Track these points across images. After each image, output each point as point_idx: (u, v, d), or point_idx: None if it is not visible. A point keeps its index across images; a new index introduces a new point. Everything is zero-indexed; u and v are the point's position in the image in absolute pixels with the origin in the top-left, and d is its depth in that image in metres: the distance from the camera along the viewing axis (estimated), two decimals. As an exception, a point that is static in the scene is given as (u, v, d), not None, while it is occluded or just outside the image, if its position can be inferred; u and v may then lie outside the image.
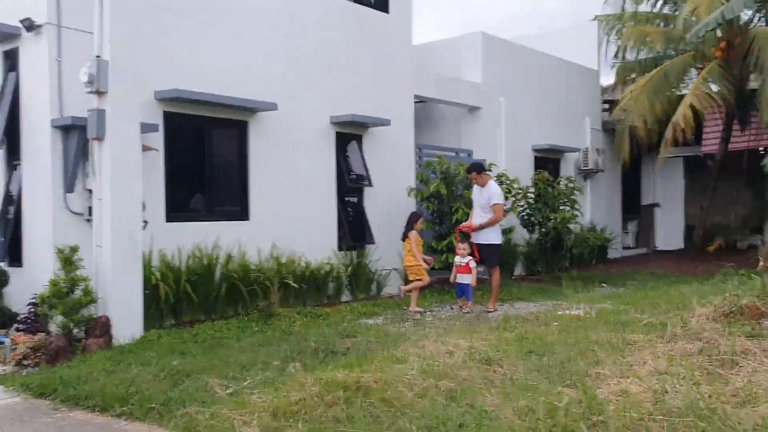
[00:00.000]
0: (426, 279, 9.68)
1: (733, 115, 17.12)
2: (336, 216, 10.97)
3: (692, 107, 15.26)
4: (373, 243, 11.31)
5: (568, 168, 16.57)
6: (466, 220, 10.55)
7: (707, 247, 18.54)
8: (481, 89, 14.00)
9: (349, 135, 11.28)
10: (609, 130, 18.63)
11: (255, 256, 9.60)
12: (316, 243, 10.50)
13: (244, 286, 9.07)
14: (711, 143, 18.26)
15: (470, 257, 9.50)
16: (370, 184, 11.36)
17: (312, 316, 8.63)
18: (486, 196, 9.59)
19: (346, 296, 10.95)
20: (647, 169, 20.30)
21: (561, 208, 13.17)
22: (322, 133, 10.78)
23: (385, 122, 11.29)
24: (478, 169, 9.73)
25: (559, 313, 8.68)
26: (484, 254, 9.60)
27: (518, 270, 14.21)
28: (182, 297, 8.58)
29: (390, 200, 11.81)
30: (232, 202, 9.81)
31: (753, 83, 17.46)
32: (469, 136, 14.16)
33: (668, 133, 15.48)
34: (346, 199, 11.27)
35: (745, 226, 18.94)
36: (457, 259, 9.65)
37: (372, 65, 11.59)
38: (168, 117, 8.89)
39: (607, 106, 19.05)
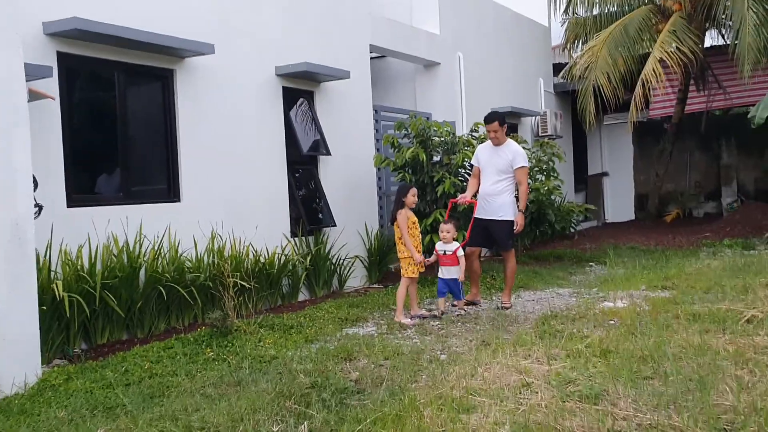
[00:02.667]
0: (408, 273, 6.99)
1: (690, 75, 15.85)
2: (287, 192, 8.66)
3: (662, 62, 13.82)
4: (333, 225, 9.07)
5: (524, 134, 14.81)
6: (453, 194, 8.48)
7: (664, 216, 17.39)
8: (438, 42, 11.92)
9: (298, 91, 8.95)
10: (560, 93, 17.04)
11: (191, 248, 7.20)
12: (264, 227, 8.18)
13: (182, 290, 6.67)
14: (664, 105, 17.01)
15: (457, 243, 7.08)
16: (327, 152, 9.10)
17: (280, 329, 6.35)
18: (506, 158, 7.29)
19: (303, 294, 8.70)
20: (593, 137, 18.88)
21: (537, 177, 11.33)
22: (266, 88, 8.41)
23: (343, 74, 9.03)
24: (502, 119, 7.30)
25: (602, 306, 6.78)
26: (496, 234, 7.36)
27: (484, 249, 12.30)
28: (97, 311, 6.11)
29: (350, 172, 9.60)
30: (157, 178, 7.32)
31: (709, 40, 16.40)
32: (426, 96, 12.09)
33: (637, 91, 13.98)
34: (299, 171, 8.96)
35: (699, 194, 17.85)
36: (440, 245, 7.10)
37: (323, 5, 9.28)
38: (64, 60, 6.33)
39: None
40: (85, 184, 6.64)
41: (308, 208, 8.88)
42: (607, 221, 18.70)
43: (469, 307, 7.37)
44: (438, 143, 9.06)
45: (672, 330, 5.52)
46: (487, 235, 7.41)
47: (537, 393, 4.13)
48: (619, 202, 18.85)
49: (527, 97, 14.93)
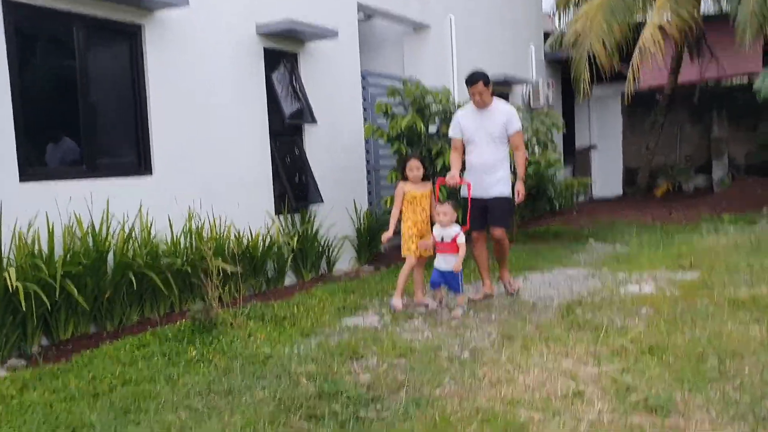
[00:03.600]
0: (403, 251, 6.19)
1: (685, 44, 15.23)
2: (270, 165, 7.83)
3: (661, 29, 13.15)
4: (320, 201, 8.28)
5: (514, 103, 14.03)
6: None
7: (653, 190, 16.85)
8: (429, 3, 11.08)
9: (281, 53, 8.09)
10: (550, 61, 16.31)
11: (165, 229, 6.37)
12: (246, 205, 7.37)
13: (156, 277, 5.85)
14: (656, 76, 16.38)
15: (458, 227, 5.89)
16: (312, 120, 8.28)
17: (272, 321, 5.57)
18: (499, 121, 6.13)
19: (289, 278, 7.92)
20: (581, 108, 18.23)
21: (535, 150, 10.63)
22: (246, 49, 7.54)
23: (330, 34, 8.17)
24: (487, 78, 6.15)
25: (626, 290, 6.12)
26: (495, 214, 6.20)
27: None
28: (59, 302, 5.29)
29: (337, 143, 8.79)
30: (125, 149, 6.45)
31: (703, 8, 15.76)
32: (415, 62, 11.27)
33: (635, 59, 13.31)
34: (282, 142, 8.13)
35: (689, 167, 17.32)
36: (437, 230, 5.93)
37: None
38: (12, 12, 5.41)
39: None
40: (41, 155, 5.76)
41: (293, 184, 8.07)
42: (593, 197, 18.12)
43: (485, 299, 6.30)
44: (435, 111, 8.27)
45: (720, 320, 4.87)
46: (484, 216, 6.29)
47: (594, 404, 3.44)
48: (607, 177, 18.25)
49: (519, 65, 14.19)
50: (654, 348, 4.24)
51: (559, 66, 16.51)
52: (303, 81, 8.31)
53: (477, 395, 3.64)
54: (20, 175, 5.36)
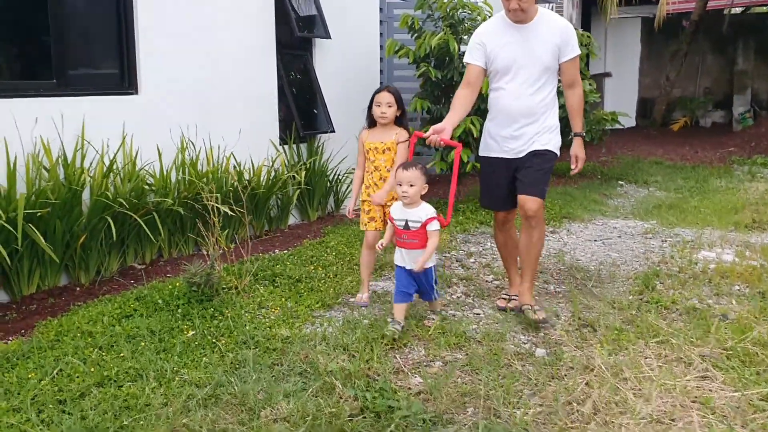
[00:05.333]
0: (362, 225, 4.50)
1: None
2: (275, 86, 6.67)
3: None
4: (331, 131, 7.18)
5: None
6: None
7: (670, 124, 15.85)
8: None
9: (291, -50, 6.80)
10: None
11: (154, 161, 5.29)
12: (249, 132, 6.26)
13: (141, 220, 4.81)
14: (681, 0, 15.17)
15: (430, 209, 3.78)
16: (326, 35, 7.07)
17: (284, 283, 4.57)
18: (549, 41, 3.91)
19: (293, 217, 6.91)
20: (598, 33, 16.93)
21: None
22: (252, -57, 6.26)
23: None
24: None
25: (702, 258, 5.19)
26: (529, 176, 3.94)
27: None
28: (21, 251, 4.25)
29: (350, 62, 7.62)
30: (105, 60, 5.27)
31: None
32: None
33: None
34: (290, 59, 6.95)
35: (708, 101, 16.27)
36: (396, 210, 3.86)
37: None
38: None
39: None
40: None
41: (302, 109, 6.94)
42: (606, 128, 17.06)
43: (515, 310, 4.12)
44: (470, 28, 7.08)
45: None
46: (513, 187, 4.05)
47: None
48: (619, 107, 17.12)
49: (542, -19, 12.84)
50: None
51: (579, -17, 15.18)
52: (315, -14, 7.06)
53: (583, 424, 2.71)
54: (-30, 90, 4.21)
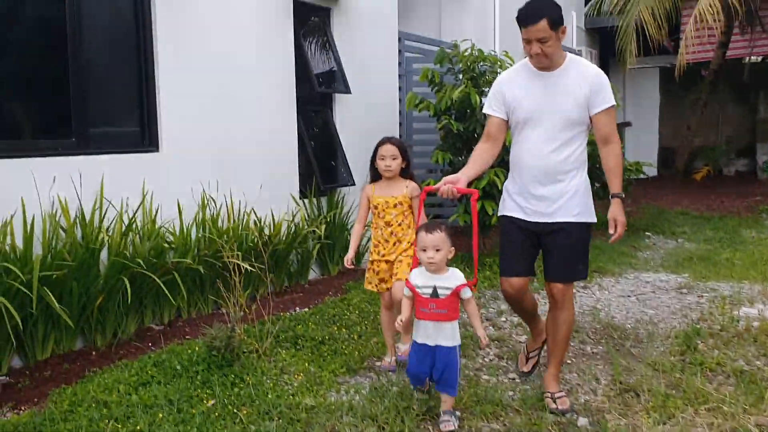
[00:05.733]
0: (365, 283, 4.29)
1: (736, 14, 13.89)
2: (296, 140, 6.60)
3: (720, -4, 11.85)
4: (351, 184, 7.07)
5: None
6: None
7: (693, 174, 15.65)
8: (471, -42, 9.76)
9: (312, 7, 6.81)
10: (588, 30, 15.00)
11: (174, 218, 5.17)
12: (269, 187, 6.16)
13: (159, 280, 4.66)
14: (702, 49, 15.08)
15: (459, 274, 3.29)
16: (346, 90, 7.03)
17: (307, 345, 4.38)
18: (577, 91, 3.42)
19: (313, 271, 6.75)
20: (616, 82, 16.89)
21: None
22: (273, 0, 6.26)
23: (372, -13, 6.89)
24: (556, 15, 3.35)
25: (745, 315, 4.95)
26: (563, 252, 3.50)
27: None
28: (36, 315, 4.11)
29: (371, 115, 7.55)
30: (126, 117, 5.21)
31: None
32: (453, 26, 10.02)
33: (689, 29, 12.03)
34: (310, 113, 6.89)
35: (730, 150, 16.10)
36: (416, 276, 3.34)
37: None
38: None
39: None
40: (16, 124, 4.52)
41: (322, 162, 6.85)
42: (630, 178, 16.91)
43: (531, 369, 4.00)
44: (491, 80, 7.00)
45: None
46: (534, 252, 3.64)
47: None
48: (640, 157, 16.98)
49: (559, 33, 12.87)
50: None
51: (598, 34, 15.22)
52: (336, 42, 7.04)
53: None
54: (-12, 150, 4.14)
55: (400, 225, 4.04)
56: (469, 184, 3.50)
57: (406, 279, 3.37)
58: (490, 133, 3.66)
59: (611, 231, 3.44)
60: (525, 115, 3.51)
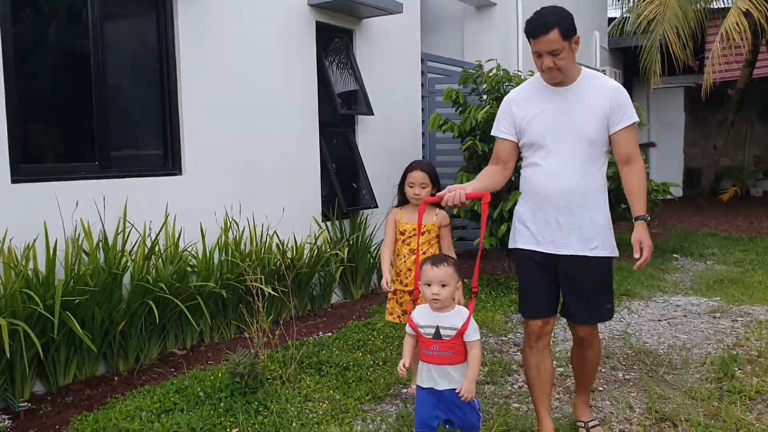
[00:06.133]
0: (386, 314, 4.11)
1: (763, 33, 13.74)
2: (318, 163, 6.56)
3: (747, 14, 11.71)
4: (374, 206, 7.01)
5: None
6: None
7: (719, 194, 15.42)
8: (493, -22, 9.74)
9: (335, 29, 6.80)
10: (612, 50, 14.91)
11: (197, 241, 5.14)
12: (291, 210, 6.12)
13: (182, 305, 4.60)
14: (728, 68, 14.92)
15: (463, 311, 2.92)
16: (369, 112, 6.99)
17: (331, 372, 4.29)
18: (595, 107, 3.10)
19: (336, 295, 6.67)
20: (639, 101, 16.76)
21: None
22: (296, 22, 6.25)
23: (395, 8, 6.86)
24: (567, 25, 3.02)
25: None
26: (581, 291, 3.18)
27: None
28: (58, 340, 4.07)
29: (393, 137, 7.51)
30: (149, 141, 5.21)
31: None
32: (476, 44, 9.99)
33: (716, 47, 11.90)
34: (332, 135, 6.86)
35: (758, 170, 15.85)
36: (420, 314, 2.98)
37: None
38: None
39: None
40: (40, 149, 4.52)
41: (344, 184, 6.80)
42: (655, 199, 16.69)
43: None
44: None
45: None
46: (555, 288, 3.25)
47: None
48: (668, 177, 16.81)
49: (583, 53, 12.79)
50: None
51: (621, 54, 15.12)
52: (359, 63, 7.02)
53: None
54: (12, 174, 4.12)
55: (424, 254, 3.80)
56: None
57: (409, 317, 2.99)
58: (500, 156, 3.29)
59: (636, 255, 3.02)
60: (538, 134, 3.14)
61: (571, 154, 3.09)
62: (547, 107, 3.14)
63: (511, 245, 3.31)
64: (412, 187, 3.90)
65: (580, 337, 3.27)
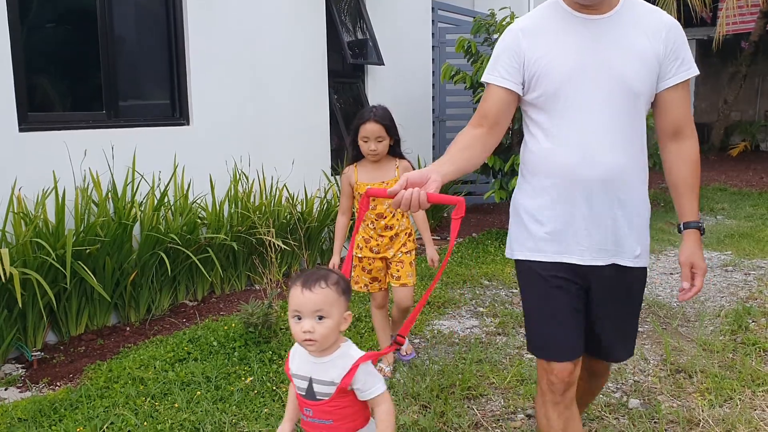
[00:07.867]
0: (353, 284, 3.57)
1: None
2: (327, 116, 6.46)
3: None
4: (384, 159, 6.92)
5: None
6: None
7: (729, 149, 15.27)
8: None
9: (344, -23, 6.65)
10: None
11: (206, 193, 5.09)
12: (301, 162, 6.05)
13: (193, 256, 4.58)
14: (742, 20, 14.63)
15: (355, 356, 1.76)
16: (380, 62, 6.87)
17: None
18: (639, 46, 1.98)
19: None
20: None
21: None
22: (304, -31, 6.10)
23: (405, -45, 6.70)
24: None
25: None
26: (617, 318, 2.16)
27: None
28: (70, 290, 4.06)
29: (403, 88, 7.39)
30: (156, 91, 5.12)
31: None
32: (486, -4, 9.72)
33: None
34: (341, 86, 6.75)
35: (768, 124, 15.68)
36: (297, 357, 1.85)
37: None
38: None
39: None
40: (47, 98, 4.45)
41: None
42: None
43: None
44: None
45: None
46: (584, 314, 2.13)
47: None
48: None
49: None
50: None
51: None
52: (368, 13, 6.87)
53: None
54: (20, 123, 4.06)
55: (394, 215, 3.41)
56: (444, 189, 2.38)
57: (286, 361, 1.91)
58: (489, 114, 2.12)
59: (685, 284, 2.10)
60: (559, 82, 2.02)
61: (611, 112, 2.00)
62: (573, 42, 2.03)
63: (515, 255, 2.18)
64: (366, 141, 3.36)
65: (597, 373, 2.36)
